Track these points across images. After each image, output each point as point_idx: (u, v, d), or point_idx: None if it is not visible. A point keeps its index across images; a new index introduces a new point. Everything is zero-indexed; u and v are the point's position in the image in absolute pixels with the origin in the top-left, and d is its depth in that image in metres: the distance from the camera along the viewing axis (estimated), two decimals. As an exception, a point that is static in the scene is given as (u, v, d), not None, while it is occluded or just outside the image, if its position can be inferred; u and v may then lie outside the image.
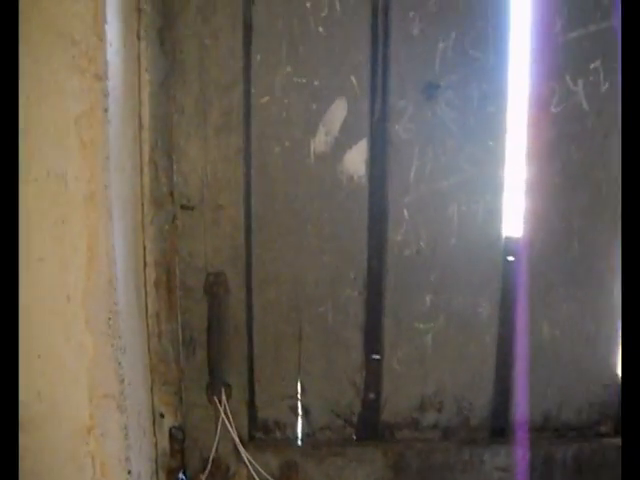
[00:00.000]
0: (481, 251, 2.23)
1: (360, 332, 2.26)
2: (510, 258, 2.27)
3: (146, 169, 2.11)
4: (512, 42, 2.13)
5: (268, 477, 2.26)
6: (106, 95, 1.71)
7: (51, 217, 1.74)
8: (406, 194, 2.18)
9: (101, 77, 1.70)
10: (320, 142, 2.15)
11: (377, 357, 2.28)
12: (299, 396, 2.30)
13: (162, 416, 2.25)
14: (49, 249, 1.75)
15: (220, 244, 2.16)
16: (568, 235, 2.26)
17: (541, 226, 2.26)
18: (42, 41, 1.68)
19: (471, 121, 2.15)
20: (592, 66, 2.15)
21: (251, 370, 2.27)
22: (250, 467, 2.25)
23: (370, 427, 2.35)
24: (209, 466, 2.25)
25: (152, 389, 2.22)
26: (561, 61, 2.15)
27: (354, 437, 2.35)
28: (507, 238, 2.25)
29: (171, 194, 2.14)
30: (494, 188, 2.20)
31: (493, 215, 2.21)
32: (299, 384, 2.29)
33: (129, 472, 1.91)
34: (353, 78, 2.12)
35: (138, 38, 2.03)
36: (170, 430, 2.26)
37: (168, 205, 2.15)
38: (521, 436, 2.35)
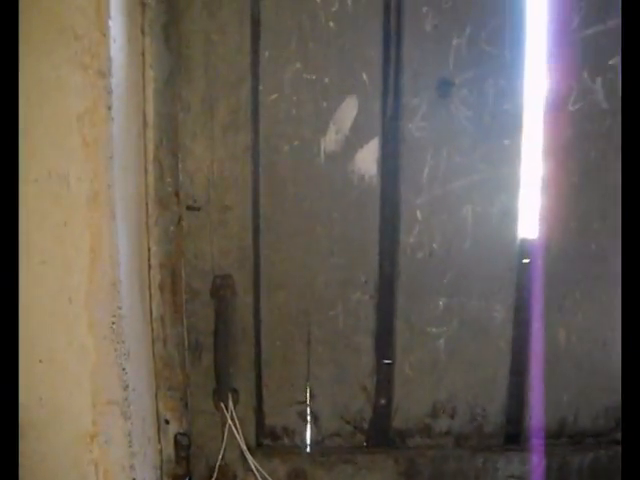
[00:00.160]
0: (496, 253, 2.19)
1: (371, 336, 2.22)
2: (526, 260, 2.23)
3: (151, 168, 2.07)
4: (528, 38, 2.07)
5: (276, 485, 2.23)
6: (109, 92, 1.68)
7: (53, 218, 1.71)
8: (419, 195, 2.13)
9: (104, 73, 1.67)
10: (330, 141, 2.10)
11: (388, 362, 2.25)
12: (308, 402, 2.26)
13: (167, 422, 2.22)
14: (51, 251, 1.73)
15: (227, 246, 2.13)
16: (585, 237, 2.21)
17: (558, 228, 2.21)
18: (43, 36, 1.65)
19: (486, 119, 2.10)
20: (611, 63, 2.10)
21: (259, 375, 2.23)
22: (257, 475, 2.21)
23: (381, 433, 2.31)
24: (215, 474, 2.22)
25: (157, 395, 2.19)
26: (579, 58, 2.10)
27: (364, 444, 2.32)
28: (523, 240, 2.20)
29: (176, 194, 2.11)
30: (510, 188, 2.15)
31: (508, 216, 2.16)
32: (308, 389, 2.25)
33: (133, 480, 1.88)
34: (364, 75, 2.07)
35: (142, 33, 1.99)
36: (175, 437, 2.24)
37: (173, 205, 2.11)
38: (536, 443, 2.31)
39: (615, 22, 2.07)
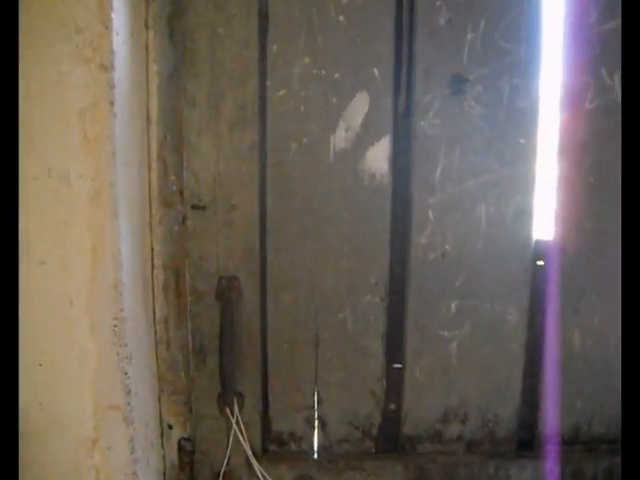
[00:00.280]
0: (510, 255, 2.16)
1: (381, 340, 2.20)
2: (540, 262, 2.21)
3: (154, 166, 2.05)
4: (545, 33, 2.05)
5: (282, 492, 2.21)
6: (112, 87, 1.66)
7: (53, 217, 1.69)
8: (431, 194, 2.11)
9: (107, 68, 1.65)
10: (340, 138, 2.07)
11: (398, 366, 2.23)
12: (315, 407, 2.25)
13: (170, 427, 2.21)
14: (51, 251, 1.70)
15: (233, 246, 2.10)
16: (601, 238, 2.18)
17: (573, 228, 2.18)
18: (44, 29, 1.62)
19: (501, 117, 2.07)
20: (630, 59, 2.06)
21: (265, 379, 2.22)
22: (263, 481, 2.20)
23: (390, 439, 2.29)
24: (220, 480, 2.21)
25: (160, 399, 2.17)
26: (597, 54, 2.07)
27: (373, 450, 2.30)
28: (537, 241, 2.18)
29: (181, 193, 2.08)
30: (524, 188, 2.13)
31: (523, 217, 2.14)
32: (316, 394, 2.23)
33: (136, 487, 1.85)
34: (376, 70, 2.05)
35: (146, 27, 1.97)
36: (179, 442, 2.22)
37: (178, 205, 2.09)
38: (549, 450, 2.28)
39: (635, 16, 2.05)
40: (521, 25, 2.03)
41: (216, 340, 2.11)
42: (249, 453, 2.17)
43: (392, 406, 2.26)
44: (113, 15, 1.64)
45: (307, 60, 2.03)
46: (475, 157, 2.09)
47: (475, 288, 2.17)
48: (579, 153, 2.13)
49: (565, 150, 2.13)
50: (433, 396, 2.24)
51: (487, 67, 2.04)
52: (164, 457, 2.19)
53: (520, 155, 2.10)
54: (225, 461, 2.18)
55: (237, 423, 2.13)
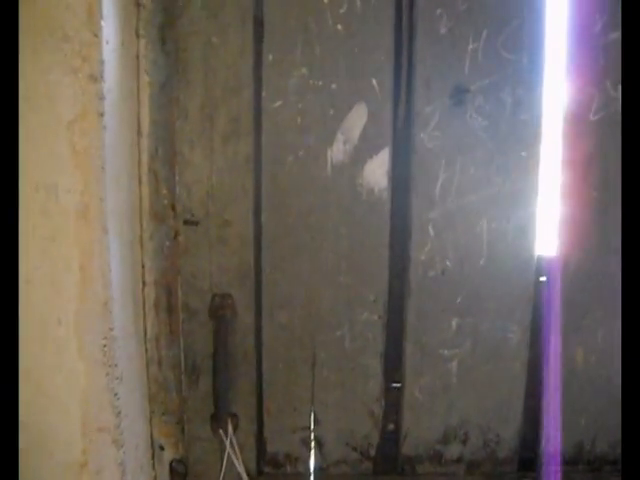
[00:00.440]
0: (511, 271, 2.15)
1: (379, 358, 2.18)
2: (542, 279, 2.19)
3: (145, 180, 2.02)
4: (548, 43, 2.04)
5: (277, 516, 2.20)
6: (101, 98, 1.63)
7: (40, 233, 1.66)
8: (431, 209, 2.09)
9: (96, 78, 1.62)
10: (338, 151, 2.06)
11: (397, 385, 2.22)
12: (312, 427, 2.23)
13: (162, 449, 2.17)
14: (38, 268, 1.67)
15: (227, 262, 2.08)
16: (605, 254, 2.16)
17: (576, 244, 2.17)
18: (30, 37, 1.60)
19: (503, 129, 2.06)
20: (635, 70, 2.04)
21: (260, 399, 2.20)
22: (258, 504, 2.18)
23: (389, 460, 2.27)
24: (213, 503, 2.18)
25: (151, 420, 2.14)
26: (601, 65, 2.06)
27: (371, 471, 2.28)
28: (539, 257, 2.17)
29: (173, 207, 2.07)
30: (526, 203, 2.11)
31: (525, 232, 2.12)
32: (312, 414, 2.22)
33: (126, 511, 1.85)
34: (374, 81, 2.03)
35: (137, 36, 1.95)
36: (171, 464, 2.20)
37: (169, 219, 2.07)
38: (552, 470, 2.26)
39: None
40: (524, 35, 2.01)
41: (209, 359, 2.09)
42: (243, 475, 2.13)
43: (391, 426, 2.24)
44: (103, 23, 1.62)
45: (304, 70, 2.02)
46: (476, 171, 2.07)
47: (476, 305, 2.16)
48: (583, 166, 2.11)
49: (568, 163, 2.12)
50: (433, 416, 2.23)
51: (489, 78, 2.03)
52: (155, 479, 2.15)
53: (522, 168, 2.08)
54: (218, 484, 2.17)
55: (231, 444, 2.10)
